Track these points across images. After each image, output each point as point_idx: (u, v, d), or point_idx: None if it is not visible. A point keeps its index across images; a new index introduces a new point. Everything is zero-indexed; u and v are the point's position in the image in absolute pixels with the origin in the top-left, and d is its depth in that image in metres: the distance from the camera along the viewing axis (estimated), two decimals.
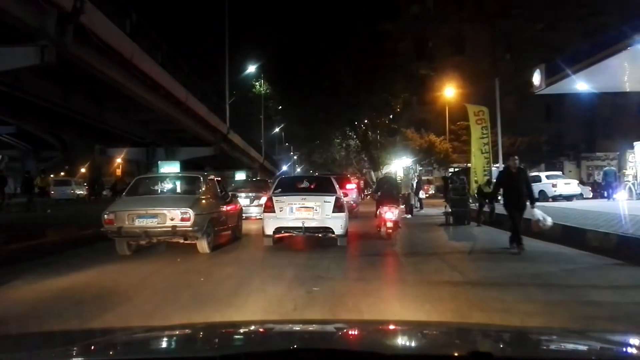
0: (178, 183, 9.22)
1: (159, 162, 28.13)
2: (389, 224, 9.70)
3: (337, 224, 8.33)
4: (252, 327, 2.41)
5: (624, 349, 1.83)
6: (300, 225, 8.22)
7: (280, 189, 9.12)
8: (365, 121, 33.23)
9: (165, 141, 28.62)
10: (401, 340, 2.02)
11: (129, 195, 8.42)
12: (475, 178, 15.31)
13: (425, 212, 17.73)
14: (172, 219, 7.62)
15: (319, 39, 27.00)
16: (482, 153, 16.05)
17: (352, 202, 14.28)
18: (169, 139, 28.31)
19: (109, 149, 30.25)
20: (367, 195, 22.34)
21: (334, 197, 8.54)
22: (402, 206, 16.50)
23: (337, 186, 9.35)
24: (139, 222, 7.58)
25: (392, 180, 11.81)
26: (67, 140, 34.01)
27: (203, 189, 8.66)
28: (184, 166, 29.91)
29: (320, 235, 8.56)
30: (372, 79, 27.30)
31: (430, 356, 1.66)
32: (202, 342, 1.97)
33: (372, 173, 33.35)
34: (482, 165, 15.72)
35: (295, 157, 68.80)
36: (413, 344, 1.94)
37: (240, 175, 37.64)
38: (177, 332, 2.18)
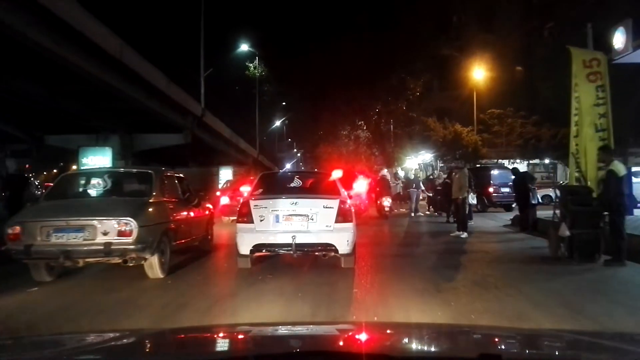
0: (120, 182, 7.58)
1: (80, 148, 23.53)
2: (387, 209, 16.10)
3: (342, 238, 6.66)
4: (256, 330, 2.50)
5: (637, 352, 1.87)
6: (289, 241, 6.57)
7: (261, 190, 7.34)
8: (377, 109, 31.51)
9: (123, 126, 24.58)
10: (409, 343, 2.14)
11: (48, 199, 6.76)
12: (577, 173, 9.67)
13: (478, 225, 13.62)
14: (105, 233, 6.03)
15: (327, 12, 25.27)
16: (597, 131, 9.76)
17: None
18: (126, 122, 24.24)
19: (50, 137, 25.80)
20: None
21: (338, 200, 6.85)
22: (442, 214, 16.29)
23: (341, 186, 7.64)
24: (57, 238, 5.98)
25: (386, 180, 17.54)
26: (42, 135, 32.44)
27: (156, 190, 7.03)
28: (154, 160, 26.96)
29: (317, 254, 6.93)
30: (388, 58, 25.60)
31: (438, 359, 1.87)
32: (206, 345, 2.13)
33: (386, 170, 31.77)
34: (594, 151, 9.54)
35: (299, 155, 68.54)
36: (421, 347, 2.11)
37: (226, 172, 35.90)
38: (183, 336, 2.34)
